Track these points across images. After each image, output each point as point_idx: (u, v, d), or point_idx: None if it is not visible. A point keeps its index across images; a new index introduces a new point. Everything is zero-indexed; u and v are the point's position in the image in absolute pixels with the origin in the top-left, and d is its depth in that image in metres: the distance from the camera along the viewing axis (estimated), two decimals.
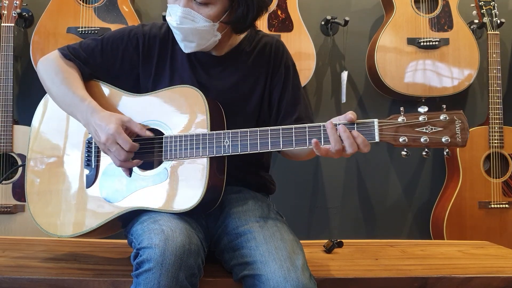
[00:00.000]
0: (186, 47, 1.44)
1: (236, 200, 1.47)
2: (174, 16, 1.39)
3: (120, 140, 1.34)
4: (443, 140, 1.15)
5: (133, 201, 1.39)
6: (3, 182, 2.44)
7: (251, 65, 1.52)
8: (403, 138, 1.17)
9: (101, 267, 1.48)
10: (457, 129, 1.15)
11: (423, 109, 1.18)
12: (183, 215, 1.34)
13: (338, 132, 1.22)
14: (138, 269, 1.20)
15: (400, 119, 1.18)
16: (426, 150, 1.18)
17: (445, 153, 1.17)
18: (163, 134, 1.41)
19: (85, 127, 1.43)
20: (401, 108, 1.20)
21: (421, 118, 1.17)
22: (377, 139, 1.20)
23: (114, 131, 1.34)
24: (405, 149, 1.19)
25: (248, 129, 1.32)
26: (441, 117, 1.16)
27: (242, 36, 1.54)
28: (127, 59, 1.51)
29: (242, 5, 1.39)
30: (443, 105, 1.18)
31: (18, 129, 2.49)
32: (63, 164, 1.51)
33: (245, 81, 1.52)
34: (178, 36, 1.44)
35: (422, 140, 1.17)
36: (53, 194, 1.50)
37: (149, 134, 1.39)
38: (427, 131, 1.17)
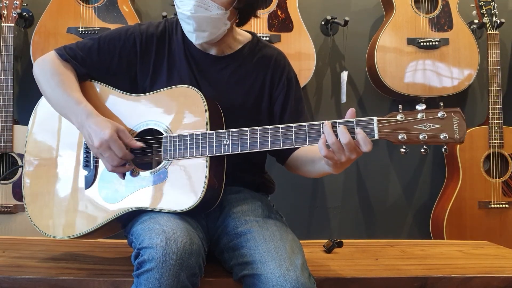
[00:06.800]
0: (198, 37, 1.42)
1: (235, 200, 1.47)
2: (187, 6, 1.37)
3: (114, 146, 1.34)
4: (442, 137, 1.16)
5: (133, 202, 1.38)
6: (3, 182, 2.44)
7: (249, 71, 1.52)
8: (402, 136, 1.18)
9: (101, 267, 1.48)
10: (455, 126, 1.16)
11: (421, 106, 1.18)
12: (184, 215, 1.34)
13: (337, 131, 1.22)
14: (139, 269, 1.20)
15: (399, 117, 1.19)
16: (424, 146, 1.19)
17: (443, 150, 1.18)
18: (161, 134, 1.40)
19: (79, 130, 1.42)
20: (400, 106, 1.20)
21: (419, 115, 1.18)
22: (376, 136, 1.20)
23: (109, 137, 1.33)
24: (403, 146, 1.20)
25: (247, 128, 1.31)
26: (439, 114, 1.17)
27: (244, 42, 1.54)
28: (124, 58, 1.50)
29: None
30: (440, 103, 1.19)
31: (18, 129, 2.49)
32: (61, 166, 1.50)
33: (240, 86, 1.50)
34: (190, 27, 1.41)
35: (420, 137, 1.17)
36: (51, 195, 1.48)
37: (139, 144, 1.37)
38: (426, 128, 1.17)
